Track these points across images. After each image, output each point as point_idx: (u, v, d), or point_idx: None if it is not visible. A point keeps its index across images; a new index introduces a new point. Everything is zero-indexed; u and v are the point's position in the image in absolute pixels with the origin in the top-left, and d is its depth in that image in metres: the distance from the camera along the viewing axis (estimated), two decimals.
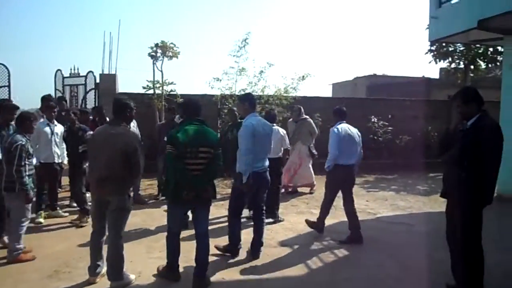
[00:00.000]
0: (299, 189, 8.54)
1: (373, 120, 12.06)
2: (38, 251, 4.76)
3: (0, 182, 4.48)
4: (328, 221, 6.21)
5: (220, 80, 10.11)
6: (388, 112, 12.47)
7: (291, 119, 8.64)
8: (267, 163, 4.84)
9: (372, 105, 12.95)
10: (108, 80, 11.21)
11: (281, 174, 6.85)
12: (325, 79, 38.77)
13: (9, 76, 10.62)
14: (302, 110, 8.41)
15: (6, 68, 10.63)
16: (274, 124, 6.58)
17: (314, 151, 8.32)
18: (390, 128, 11.90)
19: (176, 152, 3.73)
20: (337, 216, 6.40)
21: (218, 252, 4.79)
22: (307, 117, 8.45)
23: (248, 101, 4.79)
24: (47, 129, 6.05)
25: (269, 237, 5.48)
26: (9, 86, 10.56)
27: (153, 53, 10.46)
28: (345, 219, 5.53)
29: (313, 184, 8.50)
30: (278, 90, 10.29)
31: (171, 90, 10.67)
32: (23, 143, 4.43)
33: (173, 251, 4.08)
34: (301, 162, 8.33)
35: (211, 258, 4.21)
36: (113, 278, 3.87)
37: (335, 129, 5.34)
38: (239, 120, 6.12)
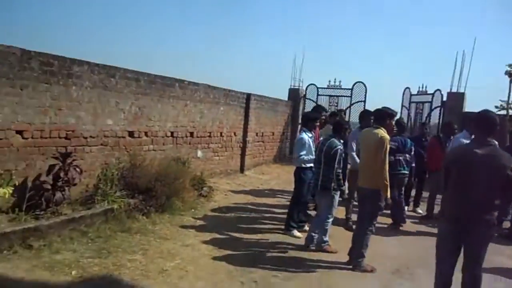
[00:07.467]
0: None
1: None
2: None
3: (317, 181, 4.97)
4: None
5: None
6: None
7: None
8: None
9: None
10: (456, 98, 11.03)
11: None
12: None
13: (365, 92, 12.19)
14: None
15: (364, 85, 12.25)
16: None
17: None
18: None
19: None
20: None
21: None
22: None
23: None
24: None
25: None
26: (364, 101, 12.12)
27: (511, 72, 9.54)
28: None
29: None
30: None
31: None
32: (340, 147, 4.92)
33: None
34: None
35: None
36: None
37: None
38: None
